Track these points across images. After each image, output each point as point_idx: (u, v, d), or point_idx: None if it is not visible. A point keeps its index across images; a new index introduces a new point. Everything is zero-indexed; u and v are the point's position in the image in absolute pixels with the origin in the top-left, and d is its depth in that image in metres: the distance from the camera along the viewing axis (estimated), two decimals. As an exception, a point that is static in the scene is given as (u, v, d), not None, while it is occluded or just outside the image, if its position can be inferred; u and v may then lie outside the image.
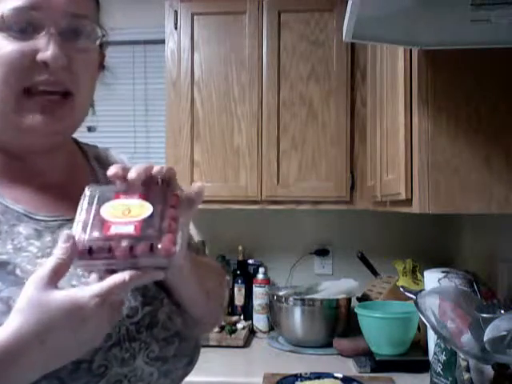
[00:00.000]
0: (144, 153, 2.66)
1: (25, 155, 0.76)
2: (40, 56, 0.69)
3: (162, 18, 2.28)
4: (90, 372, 0.66)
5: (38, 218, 0.74)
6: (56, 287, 0.60)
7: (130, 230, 0.60)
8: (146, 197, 0.64)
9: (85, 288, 0.60)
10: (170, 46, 2.27)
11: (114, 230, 0.60)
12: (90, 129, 0.80)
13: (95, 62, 0.78)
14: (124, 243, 0.59)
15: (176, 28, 2.26)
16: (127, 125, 2.68)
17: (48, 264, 0.60)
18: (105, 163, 0.86)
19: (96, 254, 0.60)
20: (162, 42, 2.30)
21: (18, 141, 0.75)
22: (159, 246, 0.59)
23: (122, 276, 0.59)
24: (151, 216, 0.61)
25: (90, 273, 0.63)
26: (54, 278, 0.60)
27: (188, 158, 2.24)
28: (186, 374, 0.80)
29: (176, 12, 2.25)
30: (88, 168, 0.85)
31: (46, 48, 0.69)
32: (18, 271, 0.68)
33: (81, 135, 0.84)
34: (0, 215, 0.72)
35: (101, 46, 0.79)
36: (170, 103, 2.29)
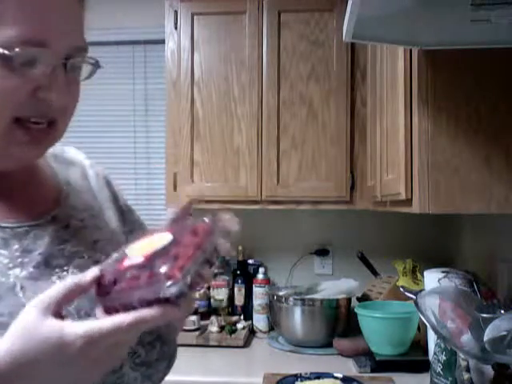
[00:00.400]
0: (144, 153, 2.66)
1: None
2: (44, 95, 0.67)
3: (162, 18, 2.28)
4: None
5: (3, 225, 0.71)
6: (55, 314, 0.57)
7: (138, 261, 0.58)
8: (172, 230, 0.62)
9: (77, 324, 0.55)
10: (169, 46, 2.28)
11: (126, 264, 0.59)
12: None
13: (80, 89, 0.75)
14: (127, 274, 0.57)
15: (176, 28, 2.26)
16: (127, 125, 2.68)
17: (53, 289, 0.58)
18: (61, 161, 0.85)
19: (106, 288, 0.58)
20: (162, 41, 2.30)
21: None
22: (162, 271, 0.55)
23: (121, 318, 0.54)
24: (166, 247, 0.59)
25: (106, 310, 0.58)
26: (55, 305, 0.57)
27: (188, 158, 2.24)
28: (165, 375, 0.80)
29: (176, 12, 2.25)
30: (48, 167, 0.83)
31: (48, 86, 0.67)
32: None
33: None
34: None
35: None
36: (169, 103, 2.29)
